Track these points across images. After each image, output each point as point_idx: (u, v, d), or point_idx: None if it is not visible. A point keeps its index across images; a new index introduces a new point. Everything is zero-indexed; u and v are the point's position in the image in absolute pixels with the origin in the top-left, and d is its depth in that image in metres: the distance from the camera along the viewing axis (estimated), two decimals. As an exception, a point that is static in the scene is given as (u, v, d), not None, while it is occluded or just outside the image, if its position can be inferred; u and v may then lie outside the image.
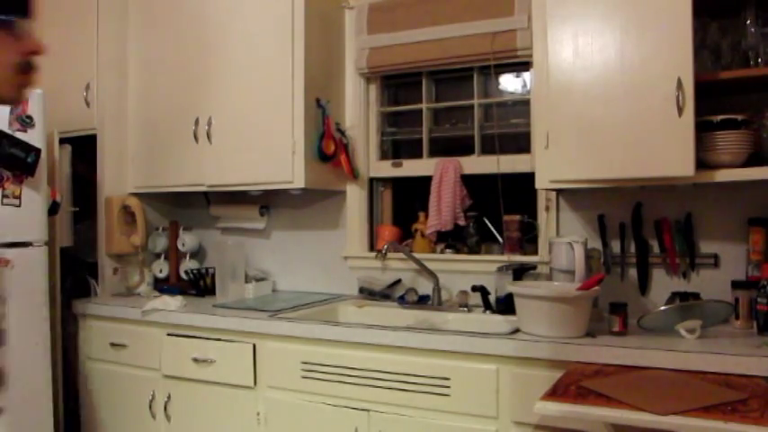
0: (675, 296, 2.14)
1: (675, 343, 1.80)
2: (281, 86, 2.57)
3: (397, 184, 2.92)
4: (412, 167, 2.80)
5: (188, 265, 3.06)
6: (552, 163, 2.09)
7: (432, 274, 2.57)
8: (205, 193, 3.13)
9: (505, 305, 2.29)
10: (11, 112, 2.31)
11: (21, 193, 2.35)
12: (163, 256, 3.08)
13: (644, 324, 1.95)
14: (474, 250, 2.62)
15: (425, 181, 2.67)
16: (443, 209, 2.57)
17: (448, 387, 1.95)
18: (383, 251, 2.57)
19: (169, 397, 2.49)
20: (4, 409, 2.17)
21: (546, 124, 2.13)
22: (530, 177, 2.21)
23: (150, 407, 2.52)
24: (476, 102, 2.70)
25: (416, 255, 2.64)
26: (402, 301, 2.61)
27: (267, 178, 2.63)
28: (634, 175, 1.97)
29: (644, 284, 2.28)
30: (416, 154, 2.82)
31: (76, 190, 2.90)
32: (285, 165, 2.56)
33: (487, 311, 2.38)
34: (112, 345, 2.64)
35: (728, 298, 2.01)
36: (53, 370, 2.50)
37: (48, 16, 3.07)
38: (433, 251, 2.69)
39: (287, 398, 2.24)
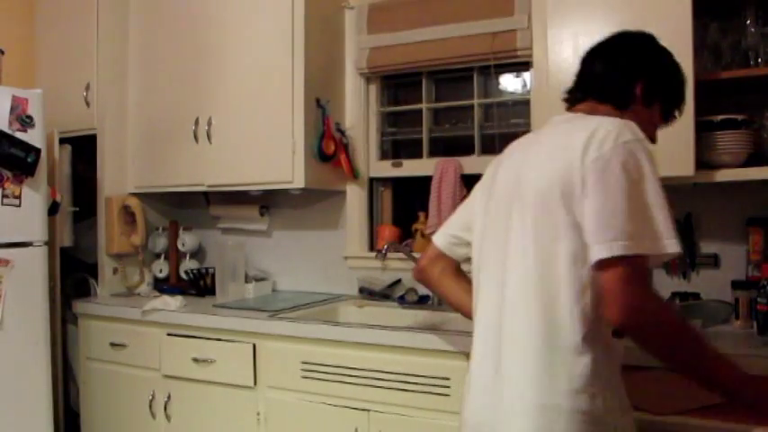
0: (675, 296, 2.14)
1: (675, 343, 1.80)
2: (281, 86, 2.57)
3: (397, 184, 2.92)
4: (412, 167, 2.80)
5: (188, 265, 3.07)
6: (552, 163, 2.09)
7: (432, 274, 2.57)
8: (205, 193, 3.13)
9: (505, 305, 2.29)
10: (11, 112, 2.31)
11: (21, 193, 2.35)
12: (163, 256, 3.08)
13: (644, 324, 1.94)
14: (474, 250, 2.62)
15: (425, 181, 2.67)
16: (443, 209, 2.57)
17: (448, 387, 1.95)
18: (383, 251, 2.57)
19: (169, 397, 2.49)
20: None
21: (546, 124, 2.12)
22: (530, 177, 2.21)
23: (150, 407, 2.52)
24: (476, 102, 2.70)
25: (416, 255, 2.63)
26: (402, 301, 2.61)
27: (267, 178, 2.63)
28: (634, 175, 1.97)
29: (644, 284, 2.28)
30: (416, 154, 2.82)
31: (76, 190, 2.90)
32: (285, 165, 2.56)
33: (487, 311, 2.38)
34: (112, 345, 2.64)
35: (728, 298, 2.01)
36: (53, 370, 2.50)
37: (48, 16, 3.07)
38: (433, 251, 2.68)
39: (287, 398, 2.24)
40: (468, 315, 1.52)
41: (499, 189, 1.37)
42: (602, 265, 1.11)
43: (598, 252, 1.11)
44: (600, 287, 1.13)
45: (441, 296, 1.71)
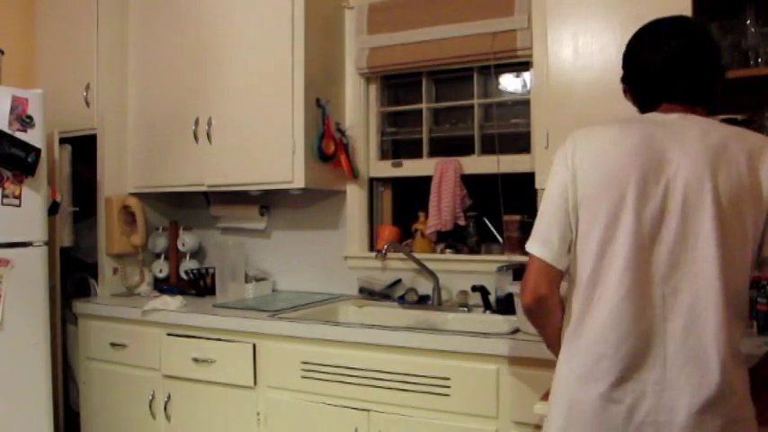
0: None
1: (675, 343, 1.80)
2: (281, 86, 2.57)
3: (397, 184, 2.92)
4: (412, 167, 2.80)
5: (188, 265, 3.06)
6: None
7: (432, 274, 2.57)
8: (205, 193, 3.13)
9: (505, 305, 2.29)
10: (11, 112, 2.31)
11: (21, 193, 2.35)
12: (163, 256, 3.08)
13: (644, 324, 1.94)
14: (474, 250, 2.62)
15: (425, 181, 2.67)
16: (443, 209, 2.57)
17: (448, 387, 1.95)
18: (383, 251, 2.57)
19: (169, 397, 2.49)
20: None
21: (546, 124, 2.13)
22: (530, 177, 2.21)
23: (150, 407, 2.52)
24: (476, 102, 2.70)
25: (416, 255, 2.63)
26: (402, 301, 2.61)
27: (267, 178, 2.63)
28: (634, 175, 1.97)
29: (644, 284, 2.27)
30: (416, 154, 2.82)
31: (76, 190, 2.90)
32: (285, 165, 2.56)
33: (487, 311, 2.38)
34: (112, 345, 2.64)
35: (728, 298, 2.00)
36: (53, 370, 2.50)
37: (48, 16, 3.07)
38: (433, 251, 2.69)
39: (287, 398, 2.24)
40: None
41: (644, 185, 1.24)
42: None
43: None
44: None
45: (553, 334, 1.41)
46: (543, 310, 1.38)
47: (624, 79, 1.46)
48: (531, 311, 1.41)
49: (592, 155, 1.31)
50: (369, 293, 2.72)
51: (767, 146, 1.27)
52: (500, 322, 2.24)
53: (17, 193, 2.34)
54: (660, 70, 1.35)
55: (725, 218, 1.21)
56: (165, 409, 2.49)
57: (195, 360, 2.41)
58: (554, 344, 1.42)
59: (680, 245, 1.22)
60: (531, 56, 2.25)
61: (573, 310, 1.32)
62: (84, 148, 2.90)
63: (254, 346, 2.30)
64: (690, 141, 1.25)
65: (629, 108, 1.94)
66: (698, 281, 1.21)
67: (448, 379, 1.95)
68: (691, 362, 1.19)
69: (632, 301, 1.22)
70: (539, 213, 1.39)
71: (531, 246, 1.37)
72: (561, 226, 1.33)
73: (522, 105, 2.61)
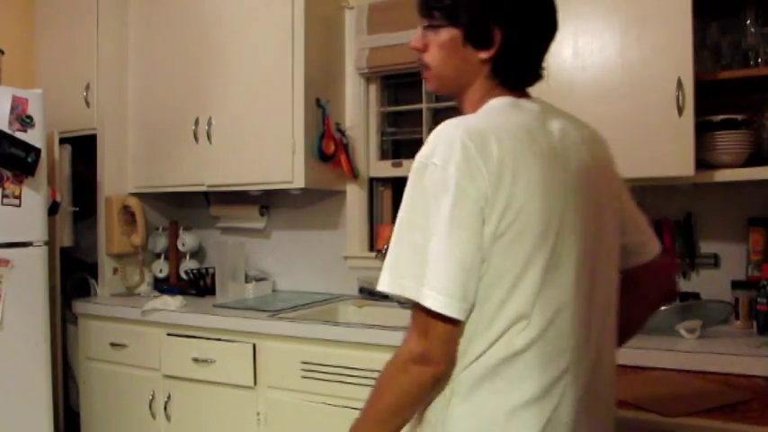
0: (676, 296, 2.14)
1: (675, 343, 1.80)
2: (281, 86, 2.57)
3: (397, 184, 2.92)
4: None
5: (188, 265, 3.06)
6: (552, 163, 2.09)
7: (432, 274, 2.57)
8: (205, 193, 3.13)
9: (505, 305, 2.29)
10: (11, 112, 2.31)
11: (21, 193, 2.35)
12: (163, 256, 3.08)
13: (644, 324, 1.93)
14: (474, 250, 2.61)
15: (425, 181, 2.66)
16: (443, 209, 2.56)
17: (448, 387, 1.95)
18: (383, 251, 2.56)
19: (169, 397, 2.49)
20: None
21: (546, 124, 2.12)
22: (530, 177, 2.21)
23: (150, 407, 2.52)
24: (476, 102, 2.69)
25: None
26: (402, 300, 2.61)
27: (267, 178, 2.63)
28: (634, 175, 1.95)
29: (644, 284, 2.27)
30: (416, 154, 2.81)
31: (76, 190, 2.90)
32: (285, 165, 2.56)
33: (487, 311, 2.37)
34: (112, 345, 2.64)
35: (728, 298, 2.01)
36: (53, 370, 2.50)
37: (48, 16, 3.07)
38: (433, 251, 2.68)
39: (287, 398, 2.24)
40: None
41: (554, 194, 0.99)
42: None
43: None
44: None
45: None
46: (437, 385, 1.03)
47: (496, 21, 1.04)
48: (426, 388, 1.04)
49: (509, 165, 0.95)
50: (369, 293, 2.72)
51: (605, 142, 1.18)
52: (500, 322, 2.24)
53: (17, 193, 2.34)
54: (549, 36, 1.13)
55: (615, 236, 1.11)
56: (165, 409, 2.49)
57: (195, 360, 2.41)
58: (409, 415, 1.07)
59: (593, 270, 1.03)
60: (531, 56, 2.25)
61: (480, 358, 1.00)
62: (84, 148, 2.91)
63: (254, 346, 2.30)
64: (576, 146, 1.06)
65: (629, 108, 1.95)
66: (604, 308, 1.07)
67: (448, 379, 1.95)
68: (596, 395, 1.05)
69: (563, 344, 0.99)
70: (437, 249, 0.95)
71: (440, 301, 0.96)
72: (476, 268, 0.95)
73: (522, 105, 2.60)
